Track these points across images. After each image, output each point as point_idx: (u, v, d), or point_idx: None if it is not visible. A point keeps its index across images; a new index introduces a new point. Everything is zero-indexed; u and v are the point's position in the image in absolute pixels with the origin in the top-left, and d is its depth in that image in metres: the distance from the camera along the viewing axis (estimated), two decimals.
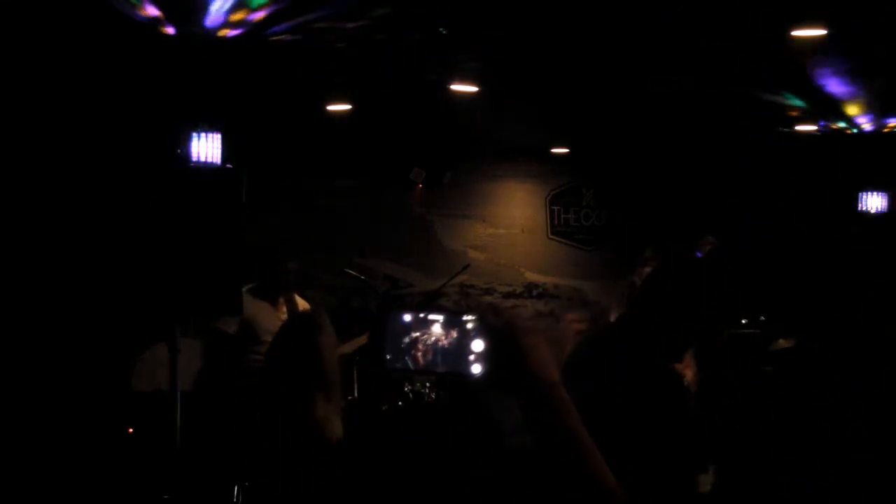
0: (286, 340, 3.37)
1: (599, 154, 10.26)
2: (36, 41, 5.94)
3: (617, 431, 1.98)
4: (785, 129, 8.69)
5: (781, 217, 9.55)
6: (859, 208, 8.58)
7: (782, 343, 6.51)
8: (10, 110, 6.77)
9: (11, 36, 5.80)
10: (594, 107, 8.20)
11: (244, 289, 5.84)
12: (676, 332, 2.75)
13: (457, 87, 7.27)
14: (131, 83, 6.50)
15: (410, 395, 5.68)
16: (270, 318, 5.69)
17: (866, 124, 8.29)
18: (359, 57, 6.58)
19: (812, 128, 8.56)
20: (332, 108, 8.03)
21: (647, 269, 4.33)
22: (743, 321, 7.90)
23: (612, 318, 5.27)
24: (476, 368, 1.53)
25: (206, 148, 5.46)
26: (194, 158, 5.43)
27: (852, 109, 7.95)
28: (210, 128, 5.46)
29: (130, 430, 6.71)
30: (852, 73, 7.04)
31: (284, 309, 5.78)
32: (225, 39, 5.60)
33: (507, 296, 10.37)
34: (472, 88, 7.31)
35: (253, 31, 5.63)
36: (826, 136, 8.64)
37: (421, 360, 1.58)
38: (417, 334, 1.58)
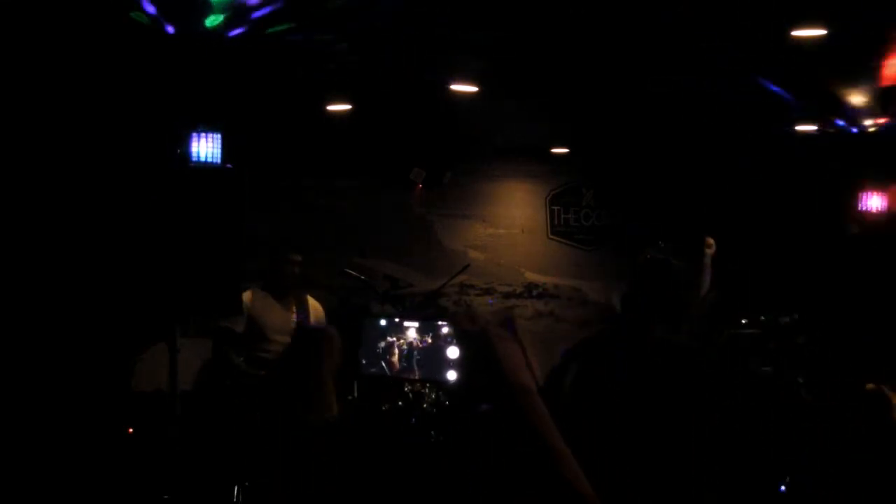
0: (295, 352, 3.41)
1: (599, 154, 10.26)
2: (36, 41, 5.94)
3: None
4: (785, 129, 8.68)
5: (781, 217, 9.55)
6: (859, 208, 8.57)
7: (785, 320, 6.49)
8: (9, 110, 6.78)
9: (11, 36, 5.80)
10: (594, 107, 8.19)
11: (253, 287, 5.86)
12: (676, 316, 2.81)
13: (457, 87, 7.27)
14: (131, 83, 6.50)
15: (410, 395, 5.67)
16: (280, 317, 5.72)
17: (866, 124, 8.29)
18: (359, 57, 6.57)
19: (812, 128, 8.55)
20: (332, 108, 8.03)
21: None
22: (743, 321, 7.90)
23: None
24: (451, 375, 1.54)
25: (206, 148, 5.46)
26: (194, 158, 5.42)
27: (852, 109, 7.95)
28: (210, 128, 5.46)
29: (130, 430, 6.70)
30: (853, 73, 7.05)
31: (295, 308, 5.79)
32: (225, 39, 5.60)
33: (507, 296, 10.37)
34: (472, 88, 7.30)
35: (253, 31, 5.63)
36: (826, 136, 8.63)
37: (396, 365, 1.60)
38: (392, 340, 1.60)
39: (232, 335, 5.69)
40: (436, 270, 9.41)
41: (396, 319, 1.34)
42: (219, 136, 5.49)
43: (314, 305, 5.94)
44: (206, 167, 5.39)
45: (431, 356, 1.30)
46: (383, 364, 1.31)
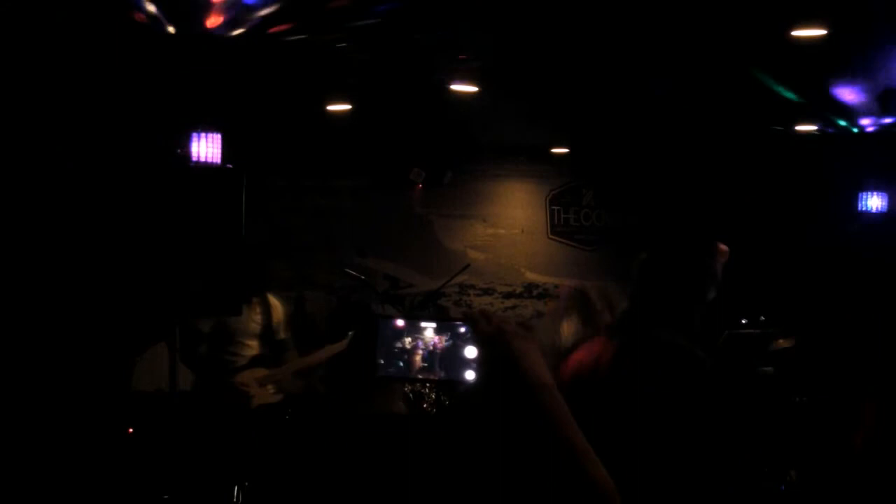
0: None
1: (599, 154, 10.26)
2: (35, 41, 5.94)
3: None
4: (785, 129, 8.69)
5: (781, 217, 9.55)
6: (859, 208, 8.58)
7: (782, 343, 6.51)
8: (9, 110, 6.77)
9: (11, 36, 5.80)
10: (594, 107, 8.19)
11: None
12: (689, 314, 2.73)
13: (457, 87, 7.27)
14: (131, 83, 6.50)
15: (410, 395, 5.68)
16: (246, 319, 5.64)
17: (866, 124, 8.29)
18: (359, 57, 6.57)
19: (812, 128, 8.56)
20: (332, 108, 8.03)
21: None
22: (743, 321, 7.90)
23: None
24: (469, 374, 1.54)
25: (206, 148, 5.46)
26: (194, 158, 5.43)
27: (852, 109, 7.95)
28: (210, 128, 5.46)
29: (130, 430, 6.70)
30: (853, 73, 7.04)
31: (259, 310, 5.73)
32: (225, 39, 5.60)
33: (507, 296, 10.37)
34: (472, 88, 7.30)
35: (253, 31, 5.63)
36: (826, 136, 8.64)
37: (413, 366, 1.59)
38: (409, 340, 1.59)
39: (199, 336, 5.57)
40: (436, 270, 9.41)
41: (413, 321, 1.36)
42: (219, 136, 5.49)
43: (275, 304, 5.86)
44: (205, 167, 5.39)
45: (450, 356, 1.32)
46: (402, 364, 1.33)
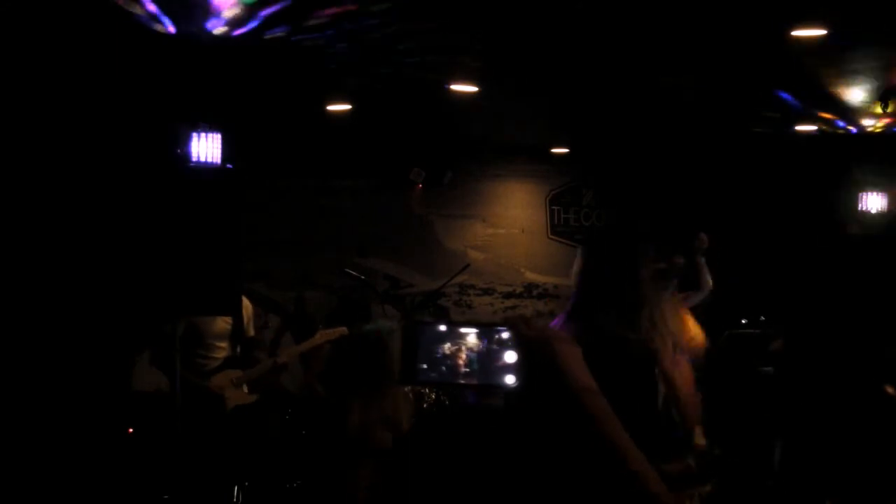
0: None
1: (599, 154, 10.26)
2: (35, 41, 5.94)
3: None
4: (785, 129, 8.68)
5: (781, 217, 9.55)
6: (859, 208, 8.57)
7: (782, 343, 6.50)
8: (9, 110, 6.77)
9: (11, 35, 5.80)
10: (594, 107, 8.19)
11: None
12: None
13: (457, 87, 7.27)
14: (131, 83, 6.50)
15: (410, 395, 5.67)
16: (215, 321, 5.62)
17: (867, 124, 8.29)
18: (359, 57, 6.57)
19: (812, 128, 8.55)
20: (332, 108, 8.03)
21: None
22: (743, 321, 7.91)
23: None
24: (510, 379, 1.54)
25: (206, 148, 5.46)
26: (194, 158, 5.42)
27: (852, 109, 7.95)
28: (210, 128, 5.46)
29: (130, 430, 6.71)
30: (853, 73, 7.04)
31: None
32: (225, 39, 5.60)
33: (507, 296, 10.37)
34: (472, 88, 7.30)
35: (253, 31, 5.63)
36: (826, 136, 8.63)
37: (454, 371, 1.59)
38: (450, 345, 1.60)
39: (170, 339, 5.54)
40: (436, 270, 9.41)
41: (454, 326, 1.38)
42: (219, 136, 5.48)
43: (245, 304, 5.79)
44: (205, 167, 5.39)
45: (491, 361, 1.33)
46: (444, 370, 1.33)
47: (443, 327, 1.59)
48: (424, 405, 5.62)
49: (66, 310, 7.13)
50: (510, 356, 1.54)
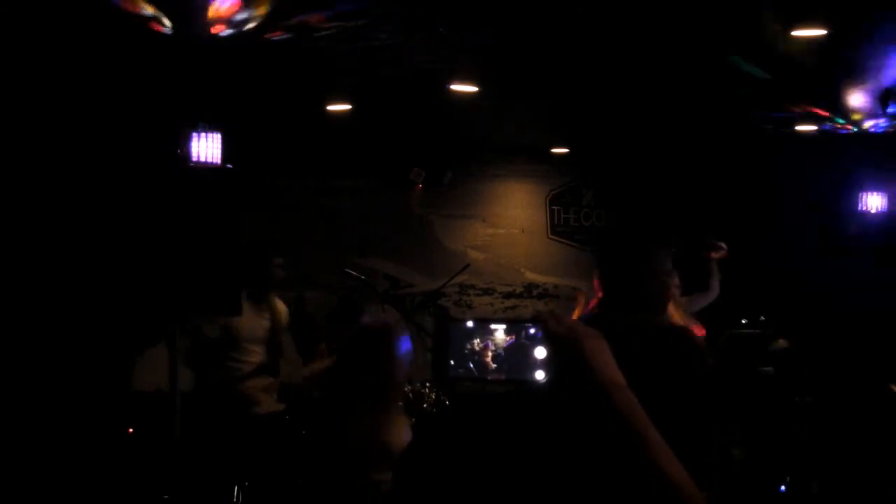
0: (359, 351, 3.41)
1: (599, 154, 10.26)
2: (34, 40, 5.93)
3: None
4: (785, 129, 8.68)
5: (781, 217, 9.54)
6: (859, 208, 8.57)
7: (782, 343, 6.51)
8: (8, 110, 6.77)
9: (10, 35, 5.80)
10: (594, 107, 8.19)
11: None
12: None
13: (457, 87, 7.26)
14: (131, 83, 6.49)
15: (410, 395, 5.66)
16: (254, 323, 5.60)
17: (867, 124, 8.28)
18: (359, 57, 6.57)
19: (812, 127, 8.55)
20: (332, 108, 8.02)
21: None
22: (743, 321, 7.91)
23: None
24: (539, 375, 1.54)
25: (206, 148, 5.45)
26: (194, 158, 5.42)
27: (853, 109, 7.94)
28: (210, 128, 5.45)
29: (130, 430, 6.71)
30: (853, 73, 7.04)
31: (267, 315, 5.69)
32: (224, 39, 5.59)
33: (507, 296, 10.37)
34: (472, 88, 7.30)
35: (253, 31, 5.63)
36: (826, 135, 8.63)
37: (484, 367, 1.60)
38: (479, 342, 1.60)
39: (206, 341, 5.49)
40: (436, 270, 9.41)
41: (483, 322, 1.38)
42: (219, 136, 5.48)
43: (280, 308, 5.81)
44: (205, 167, 5.38)
45: (520, 357, 1.34)
46: (472, 366, 1.34)
47: (470, 324, 1.60)
48: (424, 405, 5.61)
49: (66, 310, 7.12)
50: (540, 352, 1.54)
